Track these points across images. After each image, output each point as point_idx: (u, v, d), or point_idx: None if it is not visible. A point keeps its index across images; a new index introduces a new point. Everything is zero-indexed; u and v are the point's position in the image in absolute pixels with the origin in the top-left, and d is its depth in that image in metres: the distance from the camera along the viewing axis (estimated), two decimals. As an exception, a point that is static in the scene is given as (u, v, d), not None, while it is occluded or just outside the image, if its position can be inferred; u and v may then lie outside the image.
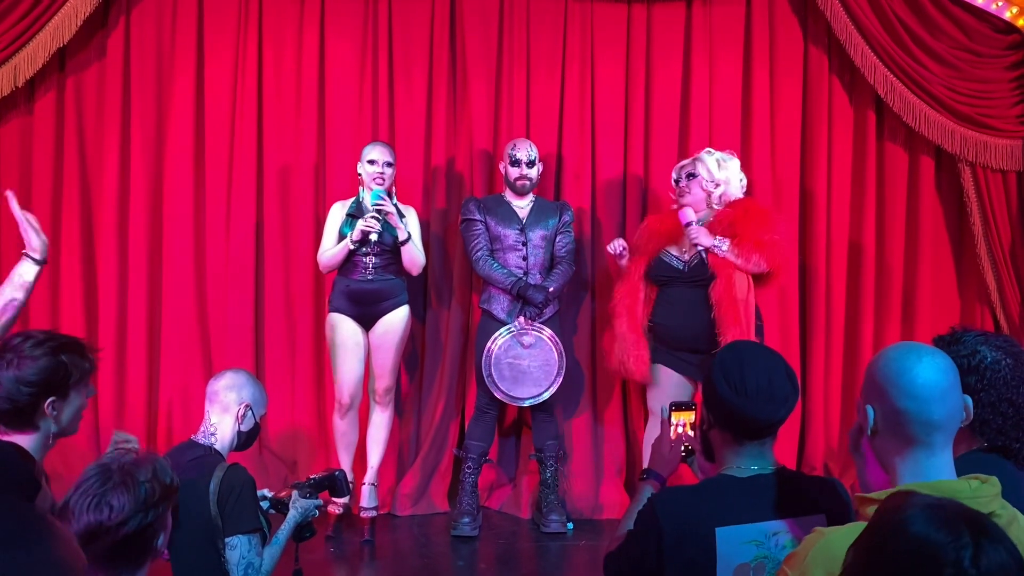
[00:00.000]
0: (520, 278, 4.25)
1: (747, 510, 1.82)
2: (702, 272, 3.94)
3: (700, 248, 3.91)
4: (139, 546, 1.66)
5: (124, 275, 4.67)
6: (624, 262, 4.17)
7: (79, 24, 4.45)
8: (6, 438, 2.02)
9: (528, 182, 4.35)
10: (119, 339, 4.62)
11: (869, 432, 1.57)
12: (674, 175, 4.21)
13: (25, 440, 2.03)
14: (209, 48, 4.70)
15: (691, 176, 4.08)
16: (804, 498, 1.86)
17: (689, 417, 2.21)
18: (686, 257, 4.02)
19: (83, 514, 1.61)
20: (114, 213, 4.66)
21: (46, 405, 2.04)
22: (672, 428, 2.21)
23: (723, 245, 3.88)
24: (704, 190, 4.06)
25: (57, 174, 4.65)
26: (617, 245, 4.17)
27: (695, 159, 4.14)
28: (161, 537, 1.70)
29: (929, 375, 1.53)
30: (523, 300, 4.23)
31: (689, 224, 3.92)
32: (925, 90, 4.70)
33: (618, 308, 4.16)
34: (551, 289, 4.27)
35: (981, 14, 4.74)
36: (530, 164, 4.34)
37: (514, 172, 4.34)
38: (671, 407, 2.23)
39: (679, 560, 1.79)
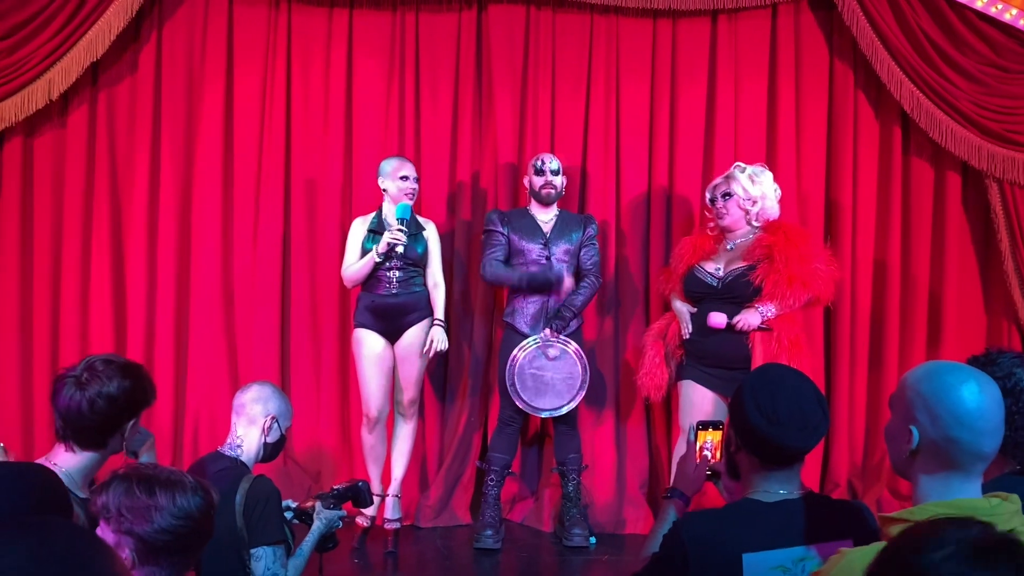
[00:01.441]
0: (525, 272, 4.26)
1: (774, 536, 1.80)
2: (736, 289, 3.94)
3: (754, 328, 3.85)
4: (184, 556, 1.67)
5: (152, 288, 4.73)
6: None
7: (112, 39, 4.53)
8: (72, 456, 2.10)
9: (553, 190, 4.36)
10: (147, 351, 4.68)
11: (908, 453, 1.54)
12: (708, 195, 4.20)
13: (86, 458, 2.11)
14: (239, 63, 4.77)
15: (727, 196, 4.07)
16: (831, 524, 1.85)
17: (716, 437, 2.20)
18: (720, 273, 4.01)
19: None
20: (143, 226, 4.72)
21: (128, 426, 2.14)
22: (698, 447, 2.21)
23: (770, 311, 3.87)
24: (741, 208, 4.06)
25: (88, 187, 4.72)
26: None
27: (728, 177, 4.12)
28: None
29: (984, 406, 1.49)
30: (537, 289, 4.22)
31: (724, 326, 3.85)
32: (952, 106, 4.67)
33: (652, 328, 4.23)
34: (578, 302, 4.28)
35: (1009, 30, 4.70)
36: (555, 172, 4.36)
37: (539, 180, 4.36)
38: (698, 426, 2.22)
39: None
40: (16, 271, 4.67)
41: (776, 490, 1.86)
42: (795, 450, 1.84)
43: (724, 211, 4.08)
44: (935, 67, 4.67)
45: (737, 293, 3.93)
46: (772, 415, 1.81)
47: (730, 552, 1.78)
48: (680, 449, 4.10)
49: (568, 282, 4.22)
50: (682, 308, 4.10)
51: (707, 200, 4.22)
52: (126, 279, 4.73)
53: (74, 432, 2.10)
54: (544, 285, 4.23)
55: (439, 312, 4.26)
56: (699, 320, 3.98)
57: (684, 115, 4.85)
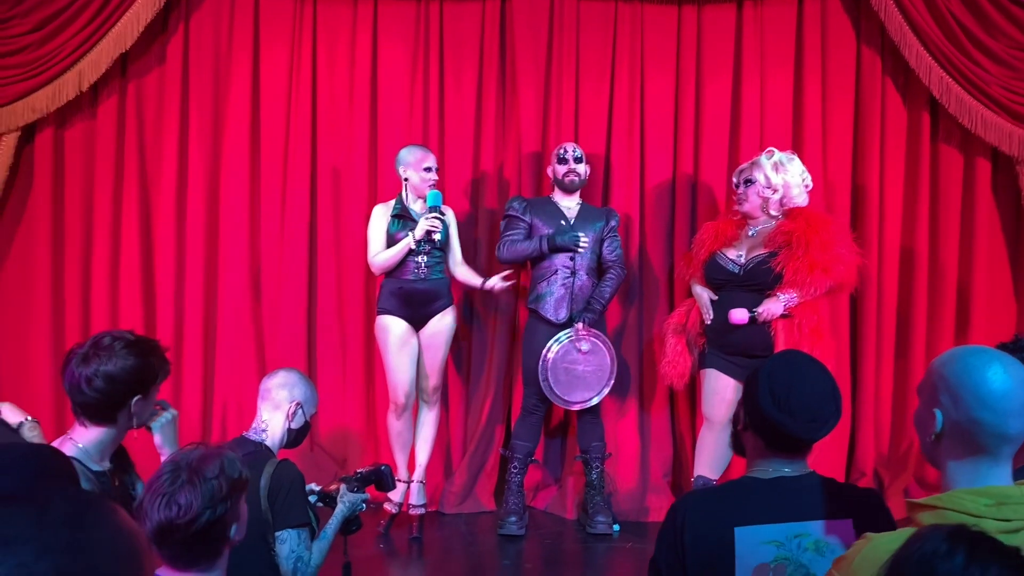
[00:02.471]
0: (544, 235, 4.27)
1: (768, 511, 1.81)
2: (757, 276, 3.92)
3: (776, 317, 3.83)
4: (211, 539, 1.72)
5: (181, 276, 4.80)
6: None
7: (140, 30, 4.59)
8: (86, 431, 2.13)
9: (577, 178, 4.37)
10: (176, 338, 4.74)
11: (933, 437, 1.53)
12: (734, 179, 4.20)
13: (102, 433, 2.13)
14: (265, 53, 4.81)
15: (749, 182, 4.05)
16: (829, 502, 1.84)
17: None
18: (741, 260, 3.99)
19: (154, 513, 1.68)
20: (172, 215, 4.79)
21: (133, 403, 2.13)
22: None
23: (792, 299, 3.84)
24: (760, 196, 4.03)
25: (118, 177, 4.79)
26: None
27: (753, 163, 4.09)
28: (234, 527, 1.76)
29: (1009, 387, 1.47)
30: (558, 248, 4.24)
31: (747, 321, 3.83)
32: (982, 91, 4.60)
33: (673, 316, 4.22)
34: (607, 294, 4.31)
35: (1041, 13, 4.63)
36: (577, 160, 4.37)
37: (562, 168, 4.37)
38: None
39: (700, 558, 1.80)
40: (48, 259, 4.75)
41: (776, 468, 1.86)
42: (801, 441, 1.84)
43: (744, 197, 4.06)
44: (965, 52, 4.60)
45: (758, 280, 3.91)
46: (784, 403, 1.81)
47: (723, 526, 1.80)
48: (704, 438, 4.10)
49: (585, 240, 4.24)
50: (702, 293, 4.09)
51: (732, 184, 4.21)
52: (155, 267, 4.80)
53: (79, 407, 2.12)
54: (563, 246, 4.24)
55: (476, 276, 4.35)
56: (721, 311, 3.96)
57: (709, 103, 4.82)
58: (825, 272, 3.85)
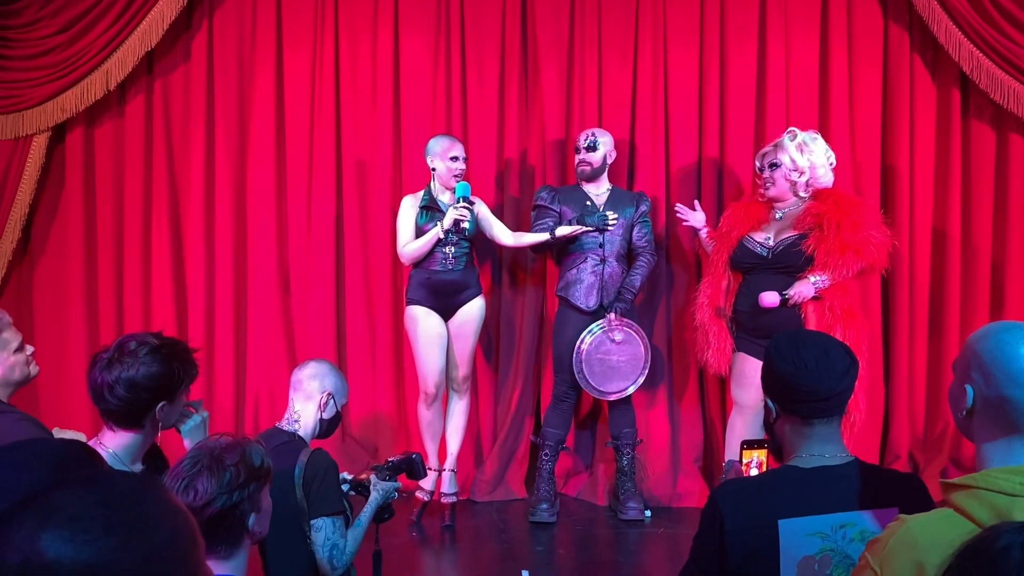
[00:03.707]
0: (571, 219, 4.27)
1: (812, 502, 1.78)
2: (787, 259, 3.88)
3: (813, 290, 3.81)
4: (229, 526, 1.72)
5: (211, 272, 4.85)
6: (703, 234, 4.22)
7: (165, 28, 4.63)
8: (114, 435, 2.10)
9: (588, 167, 4.35)
10: (207, 333, 4.80)
11: (964, 413, 1.52)
12: (757, 163, 4.16)
13: (130, 437, 2.11)
14: (288, 48, 4.83)
15: (774, 166, 4.01)
16: (874, 490, 1.81)
17: (762, 455, 2.17)
18: (770, 243, 3.96)
19: None
20: (200, 211, 4.84)
21: (157, 408, 2.10)
22: (744, 465, 2.18)
23: (823, 282, 3.81)
24: (788, 180, 3.99)
25: (147, 173, 4.84)
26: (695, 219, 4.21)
27: (776, 146, 4.05)
28: (253, 517, 1.75)
29: None
30: (588, 226, 4.21)
31: (777, 304, 3.80)
32: (1014, 65, 4.51)
33: (700, 298, 4.17)
34: (638, 283, 4.31)
35: (1074, -17, 4.53)
36: (589, 149, 4.34)
37: (576, 158, 4.37)
38: (743, 446, 2.21)
39: (741, 552, 1.77)
40: (81, 256, 4.82)
41: (820, 452, 1.83)
42: (825, 394, 1.80)
43: (770, 181, 4.02)
44: (995, 25, 4.51)
45: (788, 263, 3.88)
46: (798, 362, 1.80)
47: (766, 518, 1.76)
48: (734, 423, 4.08)
49: (615, 217, 4.22)
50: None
51: (756, 168, 4.17)
52: (185, 263, 4.86)
53: (104, 413, 2.09)
54: (593, 226, 4.22)
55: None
56: (751, 295, 3.93)
57: (734, 82, 4.77)
58: (856, 253, 3.81)
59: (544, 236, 4.25)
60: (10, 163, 4.63)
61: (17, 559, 0.83)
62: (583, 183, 4.41)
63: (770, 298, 3.80)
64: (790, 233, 3.93)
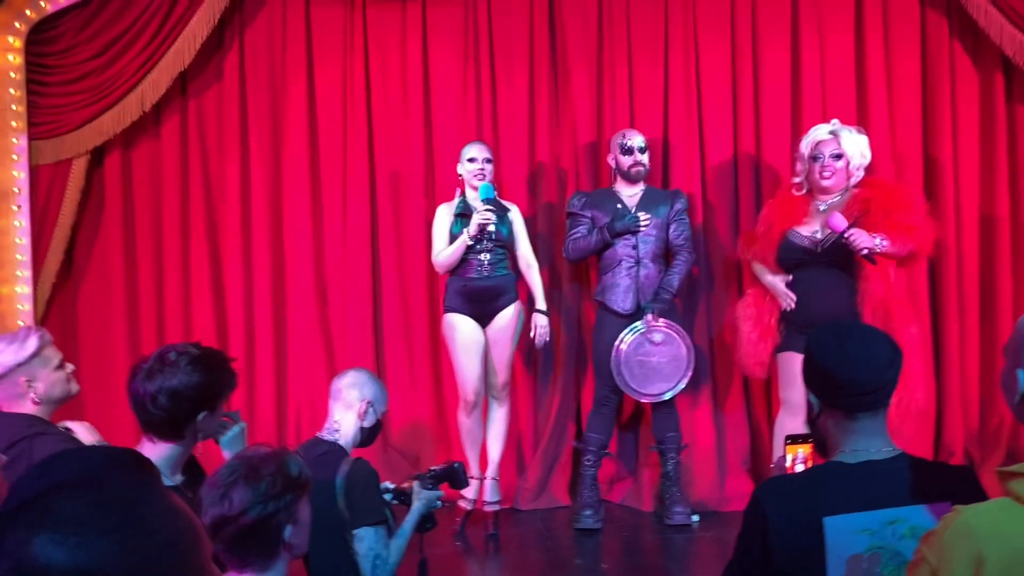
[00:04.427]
0: (602, 226, 4.22)
1: (858, 498, 1.71)
2: (837, 251, 3.81)
3: (867, 254, 3.70)
4: (264, 536, 1.70)
5: (249, 286, 4.88)
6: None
7: (197, 48, 4.68)
8: (154, 446, 2.08)
9: (642, 168, 4.31)
10: (247, 345, 4.83)
11: (1018, 398, 1.46)
12: (808, 151, 4.00)
13: (169, 448, 2.10)
14: (318, 63, 4.87)
15: (837, 156, 3.93)
16: (923, 484, 1.74)
17: (807, 449, 2.12)
18: (818, 236, 3.89)
19: (209, 507, 1.68)
20: (238, 227, 4.88)
21: (199, 419, 2.09)
22: (789, 461, 2.13)
23: (884, 244, 3.73)
24: (849, 171, 3.93)
25: (184, 192, 4.90)
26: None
27: (835, 135, 3.96)
28: (289, 529, 1.72)
29: None
30: (619, 234, 4.18)
31: (846, 231, 3.72)
32: (1059, 46, 4.39)
33: (746, 305, 4.11)
34: (675, 283, 4.25)
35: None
36: (642, 150, 4.31)
37: (627, 160, 4.31)
38: (786, 440, 2.16)
39: (787, 551, 1.71)
40: (122, 275, 4.88)
41: (865, 447, 1.76)
42: (870, 386, 1.74)
43: (831, 171, 3.92)
44: (1038, 5, 4.39)
45: (840, 255, 3.81)
46: (840, 353, 1.74)
47: (811, 516, 1.70)
48: (782, 421, 3.99)
49: (646, 218, 4.18)
50: (776, 282, 3.97)
51: (807, 156, 4.02)
52: (224, 278, 4.90)
53: (145, 424, 2.08)
54: (624, 230, 4.18)
55: (540, 300, 4.28)
56: (800, 290, 3.87)
57: (768, 76, 4.70)
58: (909, 231, 3.77)
59: (539, 300, 4.27)
60: (52, 187, 4.71)
61: (8, 564, 0.81)
62: (624, 184, 4.36)
63: (838, 220, 3.73)
64: None
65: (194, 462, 2.27)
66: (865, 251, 3.71)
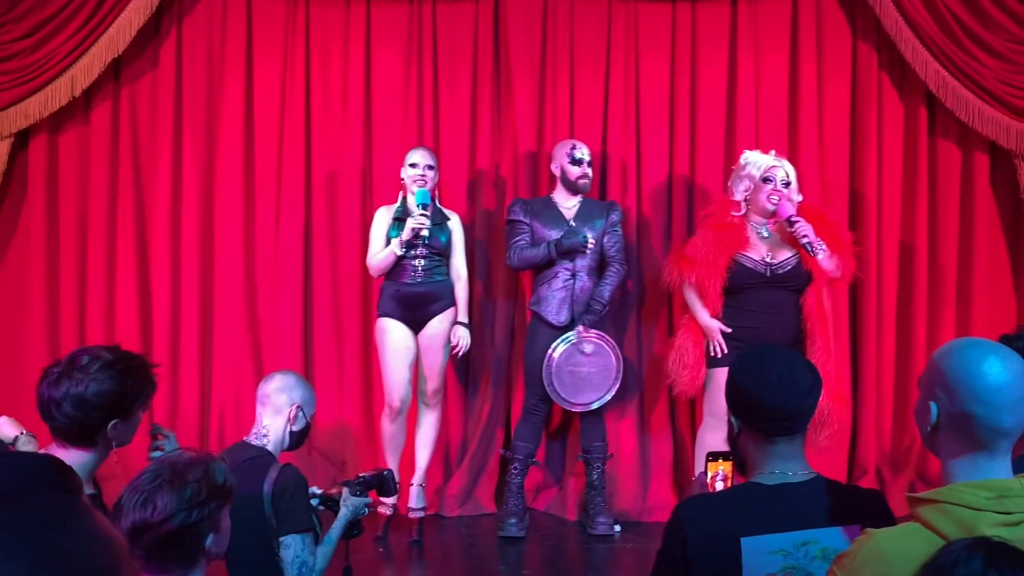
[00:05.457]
0: (551, 241, 4.24)
1: (774, 519, 1.77)
2: (794, 277, 3.95)
3: (808, 243, 3.82)
4: (186, 544, 1.66)
5: (177, 282, 4.77)
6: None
7: (133, 35, 4.56)
8: (65, 452, 1.96)
9: (588, 180, 4.36)
10: (172, 344, 4.72)
11: (929, 429, 1.52)
12: (761, 172, 4.01)
13: (82, 456, 1.99)
14: (258, 57, 4.79)
15: (786, 184, 4.02)
16: (836, 507, 1.81)
17: (727, 467, 2.15)
18: (770, 261, 3.97)
19: (131, 511, 1.63)
20: (167, 220, 4.76)
21: (109, 427, 1.99)
22: (709, 477, 2.18)
23: (825, 248, 3.85)
24: (791, 199, 4.02)
25: (112, 182, 4.76)
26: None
27: (780, 164, 4.04)
28: (211, 537, 1.69)
29: (1002, 381, 1.44)
30: (565, 253, 4.20)
31: (792, 218, 3.87)
32: (979, 85, 4.59)
33: (687, 321, 4.14)
34: (606, 294, 4.28)
35: (1037, 6, 4.62)
36: (590, 164, 4.36)
37: (576, 171, 4.33)
38: (708, 457, 2.20)
39: (706, 568, 1.76)
40: (43, 265, 4.73)
41: (784, 470, 1.82)
42: (789, 412, 1.80)
43: (779, 196, 3.97)
44: (961, 45, 4.59)
45: (794, 281, 3.95)
46: (761, 378, 1.80)
47: (728, 535, 1.75)
48: (704, 435, 4.06)
49: (592, 242, 4.21)
50: (712, 324, 4.00)
51: (758, 178, 4.02)
52: (151, 273, 4.78)
53: (52, 430, 1.98)
54: (571, 249, 4.21)
55: (463, 312, 4.27)
56: (746, 314, 3.95)
57: (704, 100, 4.80)
58: (847, 255, 3.98)
59: (463, 315, 4.27)
60: (-30, 169, 4.53)
61: None
62: (564, 194, 4.38)
63: (787, 206, 3.90)
64: (787, 252, 3.98)
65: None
66: (806, 240, 3.83)
